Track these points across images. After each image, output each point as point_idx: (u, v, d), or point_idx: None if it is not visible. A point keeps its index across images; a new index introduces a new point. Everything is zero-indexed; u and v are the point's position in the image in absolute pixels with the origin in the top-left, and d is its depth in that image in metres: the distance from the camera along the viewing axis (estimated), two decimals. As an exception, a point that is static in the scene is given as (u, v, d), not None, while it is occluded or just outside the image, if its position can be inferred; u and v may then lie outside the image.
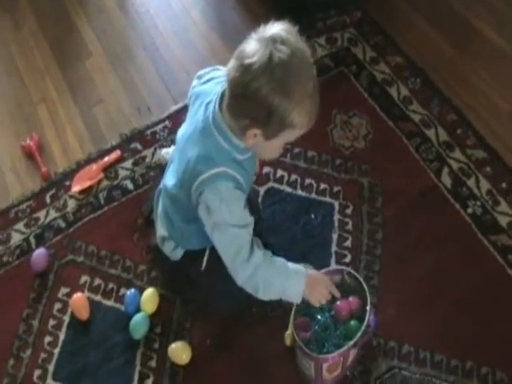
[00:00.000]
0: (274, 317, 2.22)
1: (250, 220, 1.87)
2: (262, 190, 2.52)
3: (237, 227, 1.81)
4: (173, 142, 2.64)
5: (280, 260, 1.90)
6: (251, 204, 2.26)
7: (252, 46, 1.58)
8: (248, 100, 1.61)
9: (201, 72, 2.00)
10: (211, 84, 1.85)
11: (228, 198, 1.77)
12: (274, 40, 1.56)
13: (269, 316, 2.23)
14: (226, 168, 1.76)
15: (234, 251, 1.84)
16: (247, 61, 1.56)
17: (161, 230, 2.19)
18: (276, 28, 1.60)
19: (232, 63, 1.63)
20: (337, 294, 1.94)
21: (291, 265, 1.91)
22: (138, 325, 2.25)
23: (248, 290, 1.88)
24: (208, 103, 1.79)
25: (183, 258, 2.16)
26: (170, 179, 2.01)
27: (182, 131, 1.94)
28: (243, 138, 1.72)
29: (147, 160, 2.68)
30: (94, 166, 2.67)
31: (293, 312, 1.96)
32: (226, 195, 1.77)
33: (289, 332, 2.08)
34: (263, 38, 1.57)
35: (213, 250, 2.03)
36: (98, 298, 2.36)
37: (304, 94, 1.59)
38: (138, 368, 2.21)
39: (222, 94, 1.73)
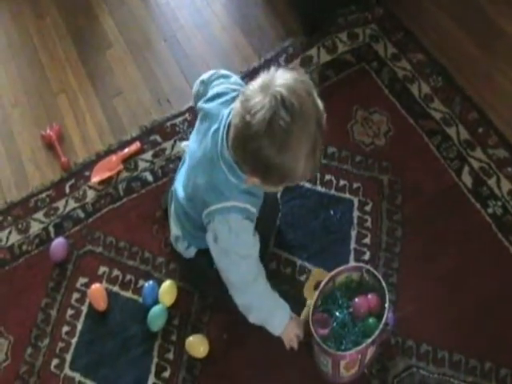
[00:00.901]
0: (294, 311, 2.21)
1: (257, 248, 1.91)
2: (281, 185, 2.51)
3: (245, 257, 1.87)
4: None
5: (273, 296, 2.02)
6: (270, 199, 2.27)
7: (256, 100, 1.55)
8: (248, 155, 1.61)
9: (204, 77, 2.00)
10: (218, 104, 1.84)
11: (237, 228, 1.80)
12: (276, 99, 1.53)
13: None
14: (235, 202, 1.78)
15: (239, 278, 1.91)
16: (248, 117, 1.55)
17: (174, 229, 2.21)
18: (282, 82, 1.56)
19: (237, 107, 1.61)
20: (295, 346, 2.10)
21: (281, 303, 2.05)
22: (156, 317, 2.25)
23: (240, 309, 1.99)
24: (215, 130, 1.79)
25: (197, 256, 2.19)
26: (180, 189, 2.05)
27: (192, 148, 1.94)
28: (244, 180, 1.74)
29: (167, 152, 2.68)
30: (114, 157, 2.68)
31: (311, 308, 1.95)
32: (235, 225, 1.80)
33: (308, 285, 2.09)
34: (268, 92, 1.54)
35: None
36: (115, 289, 2.38)
37: (305, 152, 1.58)
38: (155, 360, 2.22)
39: (229, 125, 1.71)
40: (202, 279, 2.28)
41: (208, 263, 2.06)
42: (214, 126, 1.80)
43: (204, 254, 2.10)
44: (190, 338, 2.20)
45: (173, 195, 2.17)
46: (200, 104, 1.93)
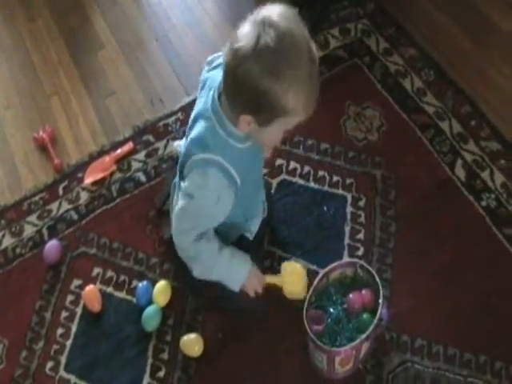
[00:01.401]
0: (286, 310, 2.21)
1: (216, 220, 1.88)
2: (274, 182, 2.51)
3: (200, 214, 1.83)
4: (185, 133, 2.64)
5: (228, 253, 1.93)
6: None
7: (242, 30, 1.53)
8: (237, 85, 1.56)
9: (210, 58, 1.96)
10: (218, 70, 1.80)
11: (212, 185, 1.74)
12: (263, 23, 1.50)
13: (283, 309, 2.21)
14: (218, 157, 1.73)
15: (187, 227, 1.86)
16: (235, 45, 1.52)
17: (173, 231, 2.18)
18: (269, 10, 1.54)
19: (226, 47, 1.58)
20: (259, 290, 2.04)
21: (238, 257, 1.97)
22: (150, 317, 2.25)
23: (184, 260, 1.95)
24: (210, 88, 1.77)
25: None
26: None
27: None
28: (238, 126, 1.67)
29: (160, 152, 2.68)
30: (107, 158, 2.67)
31: (305, 304, 1.95)
32: (211, 182, 1.74)
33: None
34: (255, 20, 1.52)
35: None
36: (110, 290, 2.37)
37: (296, 78, 1.52)
38: (150, 360, 2.21)
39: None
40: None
41: None
42: (211, 86, 1.77)
43: None
44: (185, 338, 2.20)
45: (175, 187, 2.15)
46: (204, 74, 1.90)
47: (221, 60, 1.85)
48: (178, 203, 1.84)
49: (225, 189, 1.77)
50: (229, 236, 2.07)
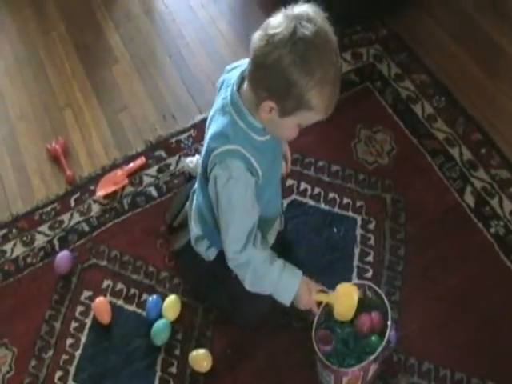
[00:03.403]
0: (297, 328, 2.23)
1: (253, 213, 1.87)
2: (285, 202, 2.52)
3: (237, 210, 1.82)
4: (197, 150, 2.67)
5: (280, 262, 1.93)
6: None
7: (278, 19, 1.57)
8: (268, 70, 1.58)
9: (228, 66, 1.98)
10: (236, 70, 1.82)
11: (237, 176, 1.76)
12: (300, 17, 1.54)
13: (293, 326, 2.25)
14: (239, 147, 1.74)
15: (231, 233, 1.86)
16: (271, 31, 1.55)
17: (195, 230, 2.18)
18: (304, 7, 1.59)
19: (257, 33, 1.61)
20: (315, 310, 1.99)
21: (290, 268, 1.95)
22: (160, 331, 2.26)
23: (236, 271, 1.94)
24: (228, 85, 1.79)
25: (216, 260, 2.16)
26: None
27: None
28: (258, 113, 1.69)
29: (171, 168, 2.69)
30: (119, 172, 2.69)
31: (314, 325, 1.97)
32: (236, 174, 1.75)
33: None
34: (290, 14, 1.56)
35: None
36: (120, 302, 2.38)
37: (324, 77, 1.56)
38: (158, 374, 2.22)
39: (242, 73, 1.73)
40: (213, 287, 2.26)
41: (226, 269, 2.02)
42: (229, 82, 1.79)
43: (223, 259, 2.02)
44: (194, 353, 2.21)
45: (194, 193, 2.16)
46: (221, 78, 1.92)
47: (239, 63, 1.88)
48: (218, 212, 1.85)
49: (249, 178, 1.79)
50: None
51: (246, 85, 1.71)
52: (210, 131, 1.83)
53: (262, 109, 1.66)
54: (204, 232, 2.15)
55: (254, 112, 1.72)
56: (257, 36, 1.61)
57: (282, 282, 1.92)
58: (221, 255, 2.08)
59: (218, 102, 1.84)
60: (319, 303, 2.00)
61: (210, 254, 2.18)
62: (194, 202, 2.16)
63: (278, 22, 1.57)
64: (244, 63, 1.76)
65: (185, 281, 2.39)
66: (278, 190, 2.16)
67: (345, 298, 1.96)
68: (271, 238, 2.21)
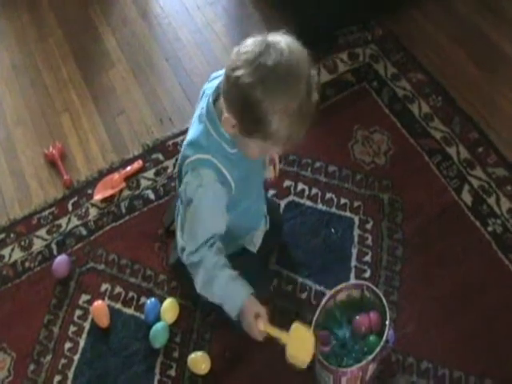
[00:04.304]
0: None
1: (219, 222, 1.86)
2: (282, 203, 2.53)
3: (203, 216, 1.81)
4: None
5: (231, 272, 1.87)
6: (273, 217, 2.29)
7: (252, 40, 1.59)
8: (231, 85, 1.59)
9: (214, 74, 2.00)
10: (215, 80, 1.84)
11: (206, 185, 1.77)
12: (270, 44, 1.55)
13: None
14: (211, 157, 1.76)
15: (191, 233, 1.85)
16: (241, 49, 1.57)
17: (179, 239, 2.17)
18: (279, 37, 1.59)
19: (235, 47, 1.63)
20: (259, 337, 1.90)
21: (241, 280, 1.87)
22: (158, 334, 2.26)
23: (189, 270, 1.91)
24: (206, 95, 1.80)
25: None
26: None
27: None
28: (223, 125, 1.70)
29: (169, 171, 2.70)
30: (116, 175, 2.69)
31: (312, 325, 1.96)
32: (205, 182, 1.76)
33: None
34: (264, 39, 1.57)
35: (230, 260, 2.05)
36: (118, 306, 2.38)
37: (284, 108, 1.56)
38: (157, 377, 2.22)
39: (219, 84, 1.72)
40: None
41: None
42: (207, 92, 1.81)
43: None
44: (192, 355, 2.21)
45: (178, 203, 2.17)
46: (203, 87, 1.93)
47: (221, 72, 1.88)
48: (181, 212, 1.88)
49: (219, 189, 1.79)
50: (232, 247, 2.08)
51: (221, 96, 1.71)
52: (187, 137, 1.85)
53: (225, 121, 1.67)
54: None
55: None
56: (234, 50, 1.63)
57: (228, 291, 1.85)
58: None
59: (197, 111, 1.85)
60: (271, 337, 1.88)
61: None
62: (178, 212, 2.16)
63: (250, 42, 1.59)
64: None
65: (182, 286, 2.39)
66: (258, 199, 2.15)
67: (299, 341, 1.83)
68: (257, 239, 2.20)
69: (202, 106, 1.81)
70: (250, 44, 1.58)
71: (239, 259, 2.04)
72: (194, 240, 1.85)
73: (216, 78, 1.86)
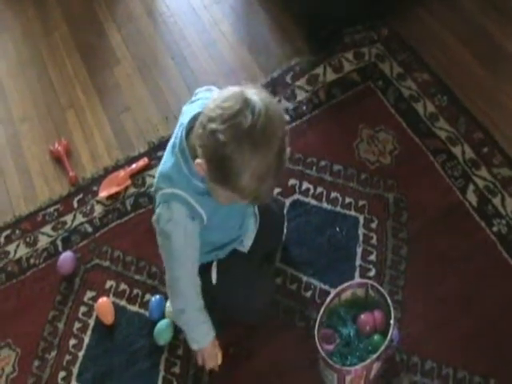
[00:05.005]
0: (299, 327, 2.24)
1: (192, 257, 1.90)
2: (287, 202, 2.53)
3: (177, 248, 1.85)
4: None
5: (205, 315, 2.02)
6: (274, 217, 2.29)
7: (231, 93, 1.58)
8: (206, 135, 1.58)
9: (198, 89, 1.99)
10: (196, 105, 1.83)
11: (177, 220, 1.78)
12: (247, 103, 1.54)
13: (295, 325, 2.25)
14: (183, 192, 1.76)
15: (170, 264, 1.92)
16: (219, 102, 1.56)
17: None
18: (257, 95, 1.57)
19: (215, 92, 1.66)
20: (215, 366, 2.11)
21: (210, 325, 2.04)
22: (162, 331, 2.27)
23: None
24: (181, 124, 1.78)
25: None
26: None
27: None
28: (195, 166, 1.68)
29: (174, 168, 2.69)
30: (122, 173, 2.70)
31: (317, 324, 1.97)
32: (176, 217, 1.77)
33: None
34: (242, 95, 1.56)
35: (220, 263, 2.08)
36: (123, 303, 2.39)
37: (254, 168, 1.56)
38: (161, 373, 2.24)
39: (194, 117, 1.71)
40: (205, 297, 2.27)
41: (207, 280, 2.05)
42: (183, 121, 1.79)
43: (201, 272, 2.04)
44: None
45: None
46: (183, 107, 1.92)
47: (202, 95, 1.89)
48: (159, 246, 1.91)
49: (189, 223, 1.80)
50: (222, 248, 2.09)
51: (194, 133, 1.69)
52: (159, 166, 1.84)
53: (196, 165, 1.66)
54: None
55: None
56: (213, 95, 1.64)
57: (197, 329, 2.03)
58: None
59: (172, 138, 1.82)
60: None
61: None
62: None
63: (229, 95, 1.57)
64: (207, 97, 1.77)
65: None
66: (243, 215, 2.12)
67: None
68: (247, 241, 2.18)
69: (176, 134, 1.79)
70: (228, 98, 1.56)
71: (230, 260, 2.09)
72: (170, 270, 1.94)
73: (194, 101, 1.87)
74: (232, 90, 1.59)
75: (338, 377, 1.97)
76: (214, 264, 2.08)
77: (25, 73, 3.18)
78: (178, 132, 1.77)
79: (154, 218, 1.85)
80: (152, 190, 1.96)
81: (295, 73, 2.89)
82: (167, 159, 1.80)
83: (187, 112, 1.81)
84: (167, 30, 3.25)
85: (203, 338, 2.02)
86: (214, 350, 2.07)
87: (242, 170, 1.56)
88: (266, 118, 1.55)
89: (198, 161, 1.63)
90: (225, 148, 1.54)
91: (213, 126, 1.55)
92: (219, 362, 2.13)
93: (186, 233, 1.81)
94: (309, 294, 2.32)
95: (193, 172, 1.72)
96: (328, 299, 2.01)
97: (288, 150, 1.64)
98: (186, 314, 1.96)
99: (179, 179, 1.75)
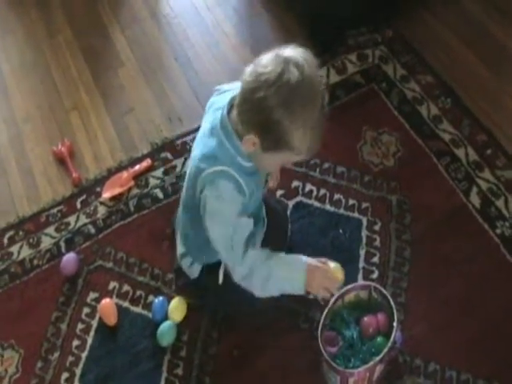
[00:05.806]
0: (303, 329, 2.24)
1: (246, 223, 1.85)
2: (290, 203, 2.53)
3: (229, 226, 1.81)
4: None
5: (278, 256, 1.88)
6: (279, 218, 2.29)
7: (268, 58, 1.60)
8: (254, 106, 1.61)
9: (219, 86, 2.00)
10: (226, 94, 1.84)
11: (226, 197, 1.77)
12: (288, 61, 1.57)
13: (299, 327, 2.25)
14: (228, 168, 1.76)
15: (227, 247, 1.84)
16: (260, 69, 1.59)
17: (179, 248, 2.20)
18: (295, 51, 1.61)
19: (248, 67, 1.64)
20: (334, 290, 1.92)
21: (289, 258, 1.92)
22: (165, 333, 2.27)
23: (245, 287, 1.88)
24: (217, 108, 1.80)
25: (200, 276, 2.15)
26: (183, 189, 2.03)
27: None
28: (242, 144, 1.71)
29: (177, 170, 2.71)
30: (125, 174, 2.70)
31: (320, 326, 1.97)
32: (225, 193, 1.77)
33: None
34: (280, 55, 1.59)
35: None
36: (126, 304, 2.39)
37: (306, 122, 1.60)
38: (164, 375, 2.23)
39: (232, 100, 1.74)
40: (208, 295, 2.27)
41: (213, 281, 2.07)
42: (217, 106, 1.81)
43: (207, 271, 2.11)
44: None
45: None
46: (210, 100, 1.93)
47: (229, 87, 1.89)
48: (209, 229, 1.84)
49: (236, 197, 1.79)
50: None
51: (234, 112, 1.72)
52: (196, 152, 1.84)
53: (246, 141, 1.68)
54: (187, 248, 2.15)
55: (240, 137, 1.72)
56: (247, 70, 1.64)
57: (288, 273, 1.86)
58: (204, 269, 2.13)
59: (205, 125, 1.85)
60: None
61: (194, 271, 2.15)
62: (181, 221, 2.16)
63: (267, 61, 1.60)
64: (234, 88, 1.77)
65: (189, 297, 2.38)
66: (260, 206, 2.14)
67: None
68: (257, 238, 2.18)
69: (211, 119, 1.81)
70: (268, 63, 1.59)
71: None
72: (234, 253, 1.84)
73: (225, 92, 1.87)
74: (266, 56, 1.62)
75: (341, 379, 1.97)
76: (222, 264, 2.06)
77: (28, 74, 3.18)
78: (213, 117, 1.79)
79: (202, 203, 1.81)
80: (186, 180, 1.94)
81: (298, 74, 2.89)
82: (206, 142, 1.80)
83: (219, 100, 1.84)
84: (171, 31, 3.25)
85: (299, 266, 1.87)
86: (319, 270, 1.89)
87: (293, 128, 1.59)
88: (310, 70, 1.59)
89: (247, 137, 1.66)
90: (273, 112, 1.57)
91: (260, 94, 1.57)
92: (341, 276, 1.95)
93: (235, 204, 1.80)
94: (311, 296, 2.31)
95: (237, 148, 1.74)
96: (331, 301, 2.00)
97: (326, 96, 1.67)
98: (265, 265, 1.84)
99: (223, 157, 1.76)
